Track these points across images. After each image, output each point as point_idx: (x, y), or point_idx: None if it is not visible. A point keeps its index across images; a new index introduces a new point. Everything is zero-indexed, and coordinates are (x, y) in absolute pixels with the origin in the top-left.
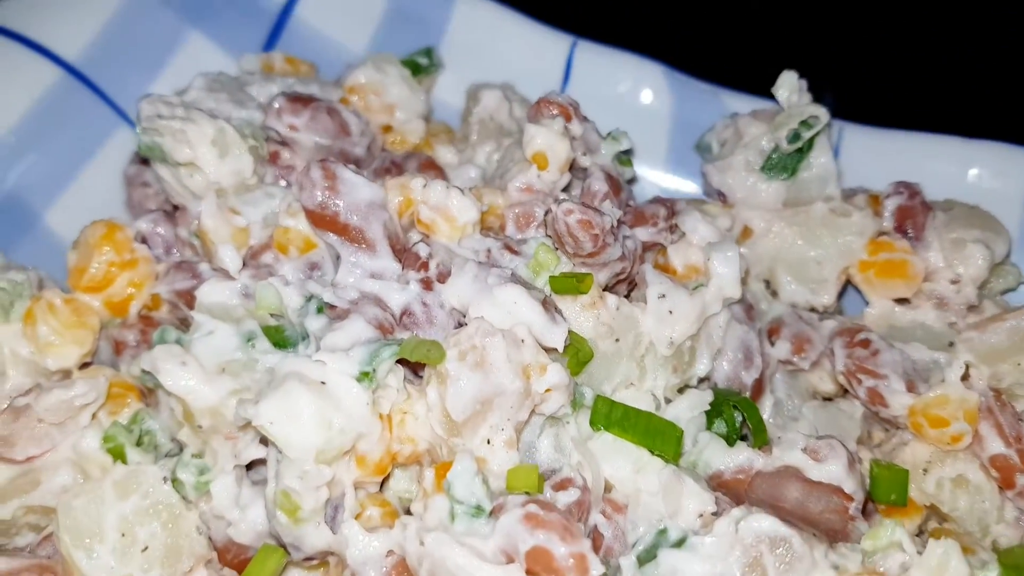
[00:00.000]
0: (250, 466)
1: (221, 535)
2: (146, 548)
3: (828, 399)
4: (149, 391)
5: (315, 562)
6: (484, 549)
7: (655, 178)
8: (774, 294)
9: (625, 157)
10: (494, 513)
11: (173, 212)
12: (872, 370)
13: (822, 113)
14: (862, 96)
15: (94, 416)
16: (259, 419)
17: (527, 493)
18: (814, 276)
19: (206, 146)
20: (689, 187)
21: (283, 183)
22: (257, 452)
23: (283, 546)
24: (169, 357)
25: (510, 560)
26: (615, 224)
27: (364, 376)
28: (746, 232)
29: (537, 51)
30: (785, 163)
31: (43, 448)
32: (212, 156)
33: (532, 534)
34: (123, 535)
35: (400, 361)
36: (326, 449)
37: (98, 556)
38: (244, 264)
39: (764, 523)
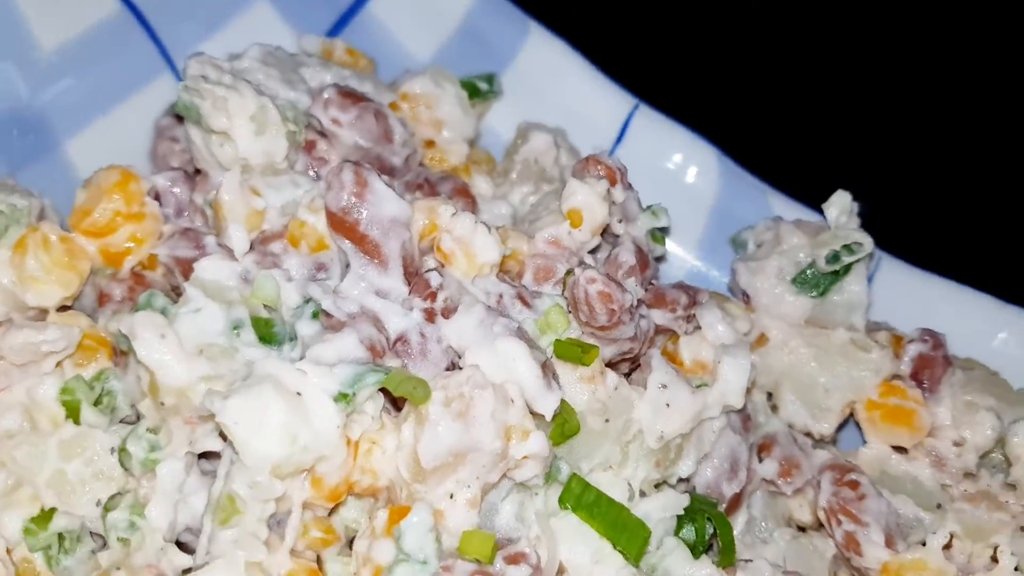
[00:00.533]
0: (203, 455)
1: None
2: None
3: (802, 529)
4: (121, 352)
5: None
6: None
7: (682, 258)
8: (774, 408)
9: (660, 234)
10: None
11: (194, 175)
12: (855, 514)
13: (867, 242)
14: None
15: (59, 364)
16: (224, 416)
17: (477, 561)
18: (819, 402)
19: (244, 119)
20: (714, 276)
21: (312, 174)
22: (213, 444)
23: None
24: (149, 325)
25: None
26: (634, 303)
27: (342, 397)
28: (761, 339)
29: (598, 104)
30: (818, 281)
31: (11, 381)
32: (248, 131)
33: None
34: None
35: (382, 390)
36: (284, 464)
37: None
38: (251, 248)
39: None
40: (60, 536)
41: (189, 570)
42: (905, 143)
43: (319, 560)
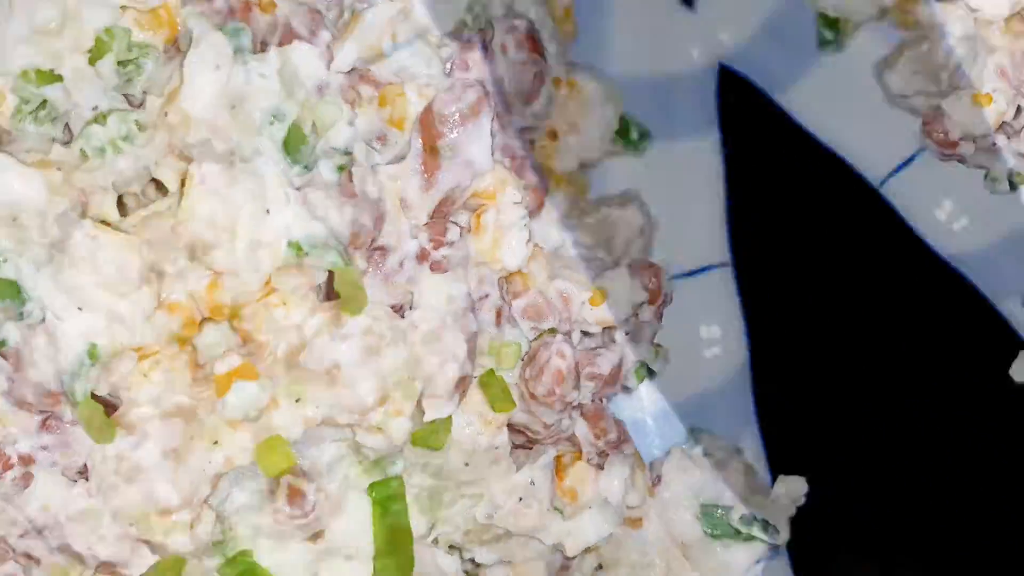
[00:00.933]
0: None
1: None
2: None
3: None
4: (177, 50)
5: None
6: None
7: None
8: None
9: (643, 372)
10: None
11: None
12: None
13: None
14: None
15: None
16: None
17: None
18: None
19: None
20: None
21: (447, 65)
22: None
23: None
24: (216, 49)
25: None
26: (575, 404)
27: (295, 246)
28: (636, 523)
29: None
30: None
31: None
32: None
33: None
34: None
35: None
36: None
37: None
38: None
39: None
40: (44, 102)
41: None
42: None
43: None
